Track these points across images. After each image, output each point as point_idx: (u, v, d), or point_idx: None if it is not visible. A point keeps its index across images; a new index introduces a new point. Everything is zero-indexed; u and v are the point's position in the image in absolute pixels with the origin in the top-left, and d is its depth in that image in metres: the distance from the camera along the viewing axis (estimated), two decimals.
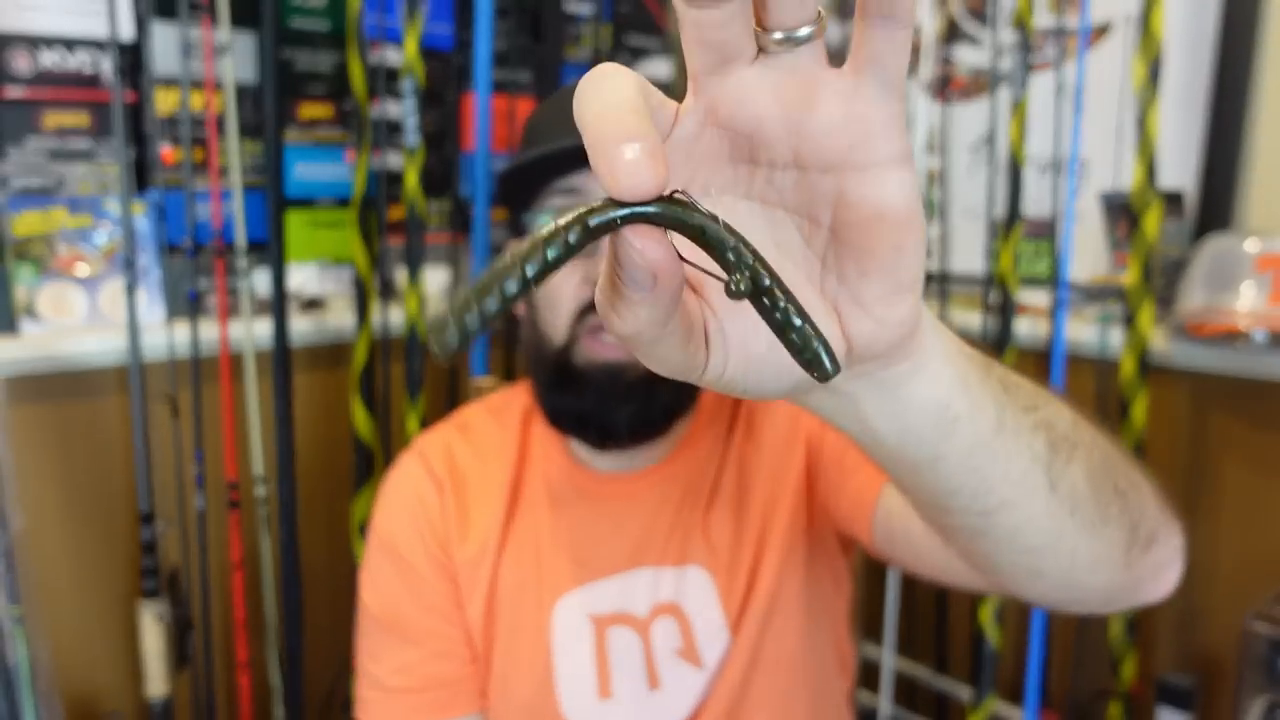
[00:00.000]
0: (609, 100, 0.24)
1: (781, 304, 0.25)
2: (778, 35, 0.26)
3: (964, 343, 0.36)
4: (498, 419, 0.77)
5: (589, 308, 0.65)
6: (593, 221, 0.24)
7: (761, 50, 0.27)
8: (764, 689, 0.69)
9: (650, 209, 0.24)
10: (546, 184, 0.66)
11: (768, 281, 0.25)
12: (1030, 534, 0.39)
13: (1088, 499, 0.40)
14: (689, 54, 0.27)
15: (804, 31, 0.26)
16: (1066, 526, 0.39)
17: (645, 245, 0.24)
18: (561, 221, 0.24)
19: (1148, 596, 0.48)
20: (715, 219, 0.25)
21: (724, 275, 0.25)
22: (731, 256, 0.25)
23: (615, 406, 0.65)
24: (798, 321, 0.25)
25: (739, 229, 0.27)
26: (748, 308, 0.26)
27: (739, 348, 0.29)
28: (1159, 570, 0.47)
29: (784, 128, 0.28)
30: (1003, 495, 0.37)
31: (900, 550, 0.63)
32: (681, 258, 0.25)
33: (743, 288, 0.24)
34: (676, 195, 0.25)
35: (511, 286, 0.24)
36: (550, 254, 0.24)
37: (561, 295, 0.65)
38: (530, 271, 0.24)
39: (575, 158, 0.64)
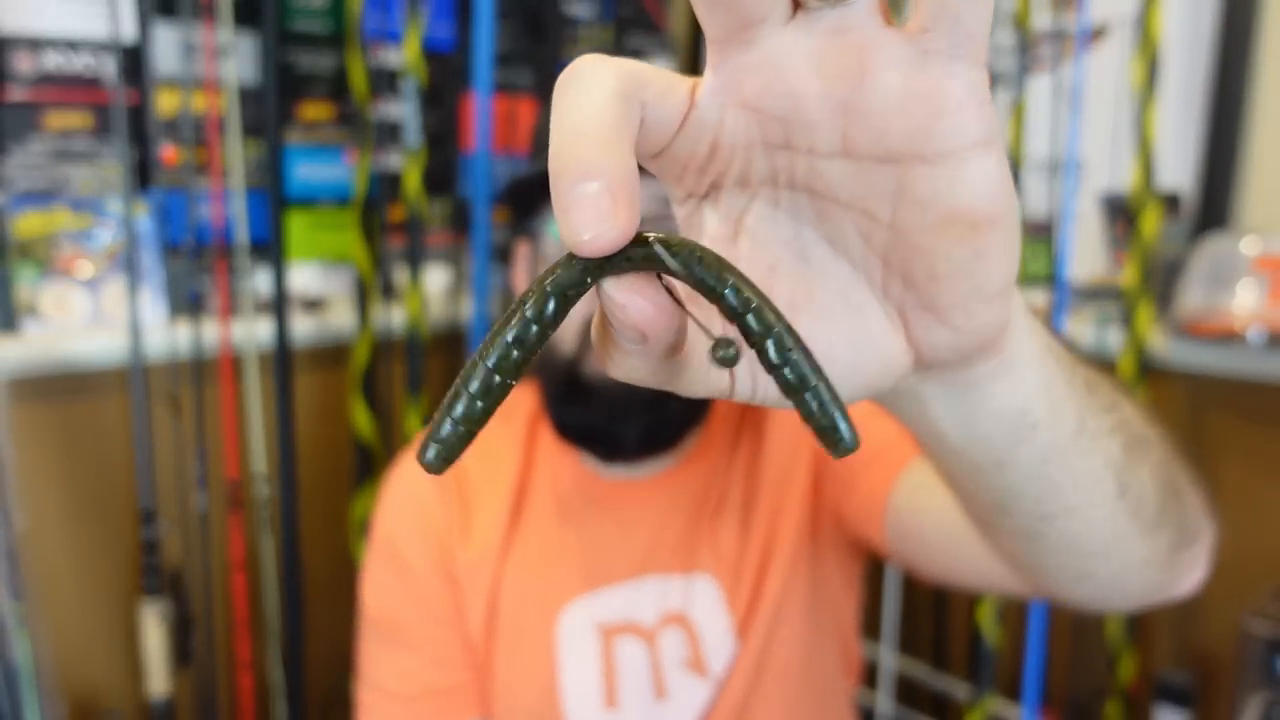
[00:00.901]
0: (575, 118, 0.19)
1: (793, 358, 0.20)
2: None
3: (1054, 338, 0.31)
4: (504, 422, 0.76)
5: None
6: (550, 286, 0.20)
7: (799, 6, 0.21)
8: (769, 696, 0.69)
9: (611, 263, 0.20)
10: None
11: (775, 332, 0.20)
12: (1091, 539, 0.35)
13: (1151, 500, 0.37)
14: (701, 16, 0.22)
15: None
16: (1126, 530, 0.36)
17: (629, 301, 0.20)
18: (521, 298, 0.21)
19: (1175, 593, 0.44)
20: (699, 257, 0.20)
21: (714, 333, 0.21)
22: (728, 302, 0.20)
23: (625, 421, 0.64)
24: (812, 381, 0.20)
25: (779, 229, 0.23)
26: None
27: (745, 365, 0.24)
28: (1192, 567, 0.44)
29: (829, 109, 0.22)
30: (1069, 501, 0.33)
31: (912, 551, 0.60)
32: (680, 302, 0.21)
33: (730, 354, 0.20)
34: (652, 235, 0.20)
35: (474, 385, 0.21)
36: (509, 336, 0.20)
37: None
38: (491, 363, 0.20)
39: None
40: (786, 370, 0.20)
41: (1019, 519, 0.34)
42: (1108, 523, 0.35)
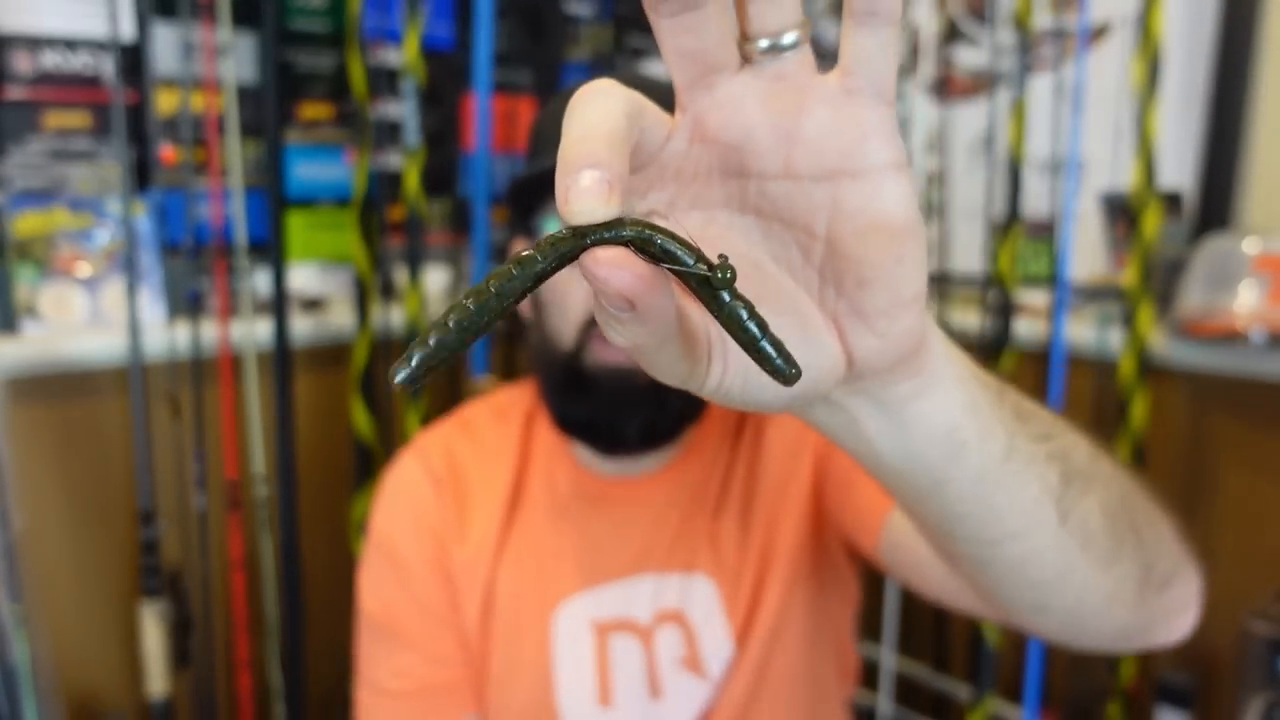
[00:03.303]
0: (588, 123, 0.24)
1: (738, 309, 0.24)
2: (763, 43, 0.26)
3: (977, 367, 0.34)
4: (501, 419, 0.76)
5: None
6: (545, 249, 0.24)
7: (746, 59, 0.27)
8: (769, 703, 0.69)
9: (587, 231, 0.24)
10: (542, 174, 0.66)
11: (722, 287, 0.24)
12: (1037, 567, 0.37)
13: (1101, 534, 0.38)
14: (671, 67, 0.27)
15: (789, 38, 0.26)
16: (1076, 561, 0.38)
17: (609, 273, 0.23)
18: (514, 256, 0.24)
19: (1159, 639, 0.46)
20: (656, 230, 0.24)
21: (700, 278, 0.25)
22: (683, 262, 0.24)
23: (626, 413, 0.64)
24: (752, 326, 0.24)
25: (734, 243, 0.28)
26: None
27: (736, 358, 0.27)
28: (1171, 614, 0.45)
29: (774, 137, 0.27)
30: (1010, 526, 0.36)
31: (906, 570, 0.62)
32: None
33: (729, 270, 0.24)
34: (631, 219, 0.24)
35: (453, 318, 0.23)
36: (495, 288, 0.24)
37: (571, 300, 0.64)
38: (472, 303, 0.23)
39: None
40: (727, 314, 0.24)
41: (966, 544, 0.37)
42: (1053, 551, 0.37)
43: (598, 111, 0.24)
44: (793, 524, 0.69)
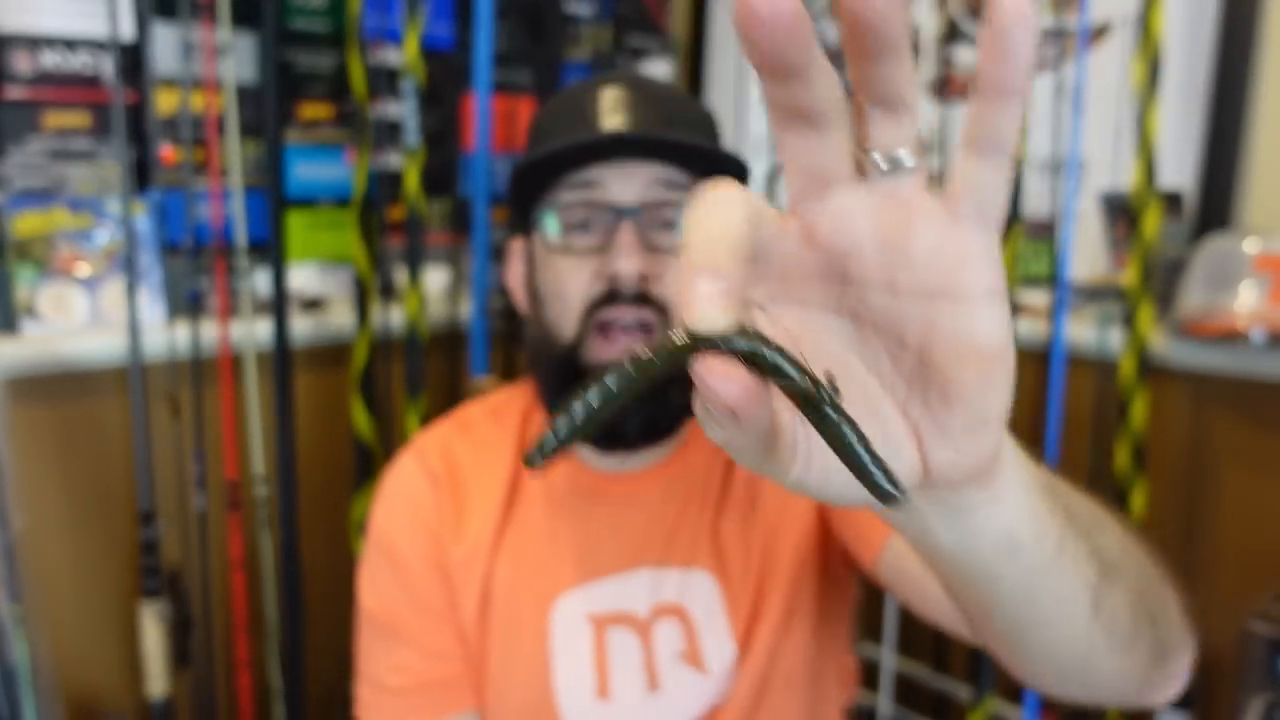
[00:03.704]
0: (712, 231, 0.25)
1: (843, 427, 0.25)
2: (881, 162, 0.27)
3: (1038, 470, 0.36)
4: (497, 418, 0.76)
5: (598, 303, 0.64)
6: (662, 352, 0.25)
7: (860, 171, 0.27)
8: (772, 708, 0.69)
9: (698, 341, 0.24)
10: (557, 178, 0.66)
11: (828, 405, 0.25)
12: (1065, 649, 0.40)
13: (1125, 622, 0.40)
14: (788, 179, 0.28)
15: (908, 160, 0.27)
16: (1100, 646, 0.40)
17: (719, 384, 0.24)
18: (638, 355, 0.26)
19: (1148, 702, 0.48)
20: (768, 345, 0.24)
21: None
22: (792, 380, 0.25)
23: (626, 409, 0.65)
24: (858, 447, 0.25)
25: (827, 343, 0.29)
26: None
27: (820, 457, 0.28)
28: (1167, 681, 0.47)
29: (880, 251, 0.28)
30: (1046, 614, 0.37)
31: (905, 593, 0.64)
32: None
33: (833, 386, 0.25)
34: (751, 330, 0.25)
35: (576, 406, 0.25)
36: (611, 380, 0.26)
37: (571, 290, 0.64)
38: (594, 395, 0.25)
39: (586, 152, 0.63)
40: (846, 430, 0.25)
41: (1001, 624, 0.39)
42: (1082, 638, 0.39)
43: (722, 220, 0.25)
44: (797, 530, 0.69)
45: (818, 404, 0.25)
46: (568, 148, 0.63)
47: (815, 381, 0.25)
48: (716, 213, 0.25)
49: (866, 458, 0.25)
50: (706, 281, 0.24)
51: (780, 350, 0.24)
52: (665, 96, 0.66)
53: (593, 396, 0.25)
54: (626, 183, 0.63)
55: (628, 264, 0.62)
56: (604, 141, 0.63)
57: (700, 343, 0.24)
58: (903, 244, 0.27)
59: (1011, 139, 0.26)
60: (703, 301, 0.24)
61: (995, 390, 0.28)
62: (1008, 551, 0.34)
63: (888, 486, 0.25)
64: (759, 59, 0.25)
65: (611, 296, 0.63)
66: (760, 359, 0.24)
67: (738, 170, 0.66)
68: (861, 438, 0.25)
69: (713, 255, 0.24)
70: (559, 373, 0.66)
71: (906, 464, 0.29)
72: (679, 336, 0.24)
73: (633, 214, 0.63)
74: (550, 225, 0.66)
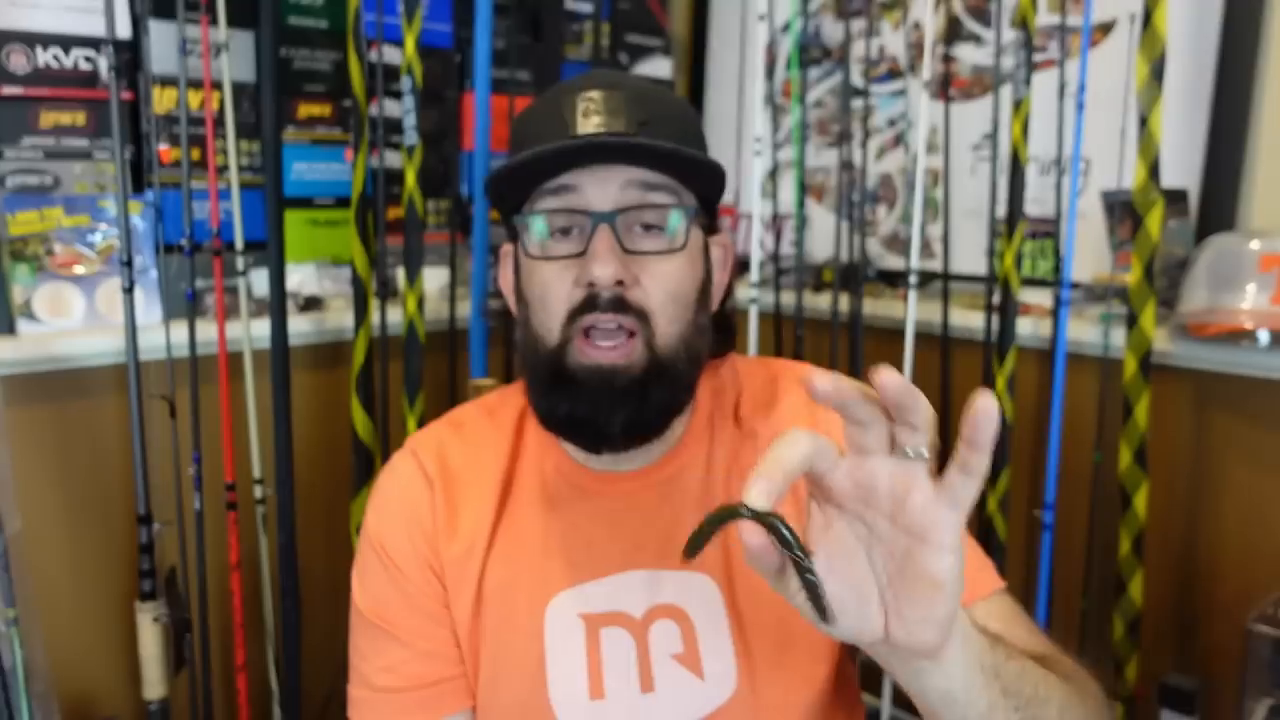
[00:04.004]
0: (779, 455, 0.42)
1: (806, 578, 0.42)
2: (909, 450, 0.43)
3: (990, 655, 0.50)
4: (492, 418, 0.76)
5: (579, 309, 0.64)
6: (724, 512, 0.42)
7: (894, 450, 0.43)
8: None
9: (745, 512, 0.41)
10: (537, 184, 0.65)
11: (805, 568, 0.42)
12: None
13: None
14: (848, 445, 0.44)
15: (919, 452, 0.42)
16: None
17: (749, 539, 0.41)
18: (720, 509, 0.42)
19: None
20: (783, 525, 0.41)
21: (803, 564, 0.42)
22: (790, 548, 0.41)
23: (609, 409, 0.64)
24: (820, 593, 0.42)
25: (848, 536, 0.45)
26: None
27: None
28: None
29: (890, 497, 0.44)
30: None
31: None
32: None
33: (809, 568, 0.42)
34: (777, 514, 0.41)
35: (712, 521, 0.42)
36: (704, 522, 0.43)
37: (554, 297, 0.64)
38: (719, 517, 0.42)
39: (562, 157, 0.63)
40: (807, 574, 0.42)
41: None
42: None
43: (787, 452, 0.42)
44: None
45: (799, 565, 0.41)
46: (537, 155, 0.62)
47: (804, 552, 0.41)
48: (787, 446, 0.42)
49: (823, 601, 0.42)
50: (763, 482, 0.40)
51: (791, 530, 0.41)
52: (642, 96, 0.65)
53: (709, 521, 0.42)
54: (603, 187, 0.63)
55: (602, 271, 0.62)
56: (573, 148, 0.62)
57: (746, 512, 0.40)
58: (903, 497, 0.43)
59: (982, 472, 0.42)
60: (755, 492, 0.40)
61: (940, 607, 0.44)
62: (945, 703, 0.49)
63: (825, 614, 0.43)
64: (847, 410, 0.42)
65: (590, 302, 0.63)
66: (775, 532, 0.41)
67: (711, 172, 0.65)
68: (819, 589, 0.42)
69: (773, 470, 0.41)
70: (545, 376, 0.66)
71: (872, 623, 0.45)
72: (740, 506, 0.41)
73: (608, 219, 0.63)
74: (531, 232, 0.66)
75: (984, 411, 0.40)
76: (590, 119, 0.63)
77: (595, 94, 0.64)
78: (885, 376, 0.40)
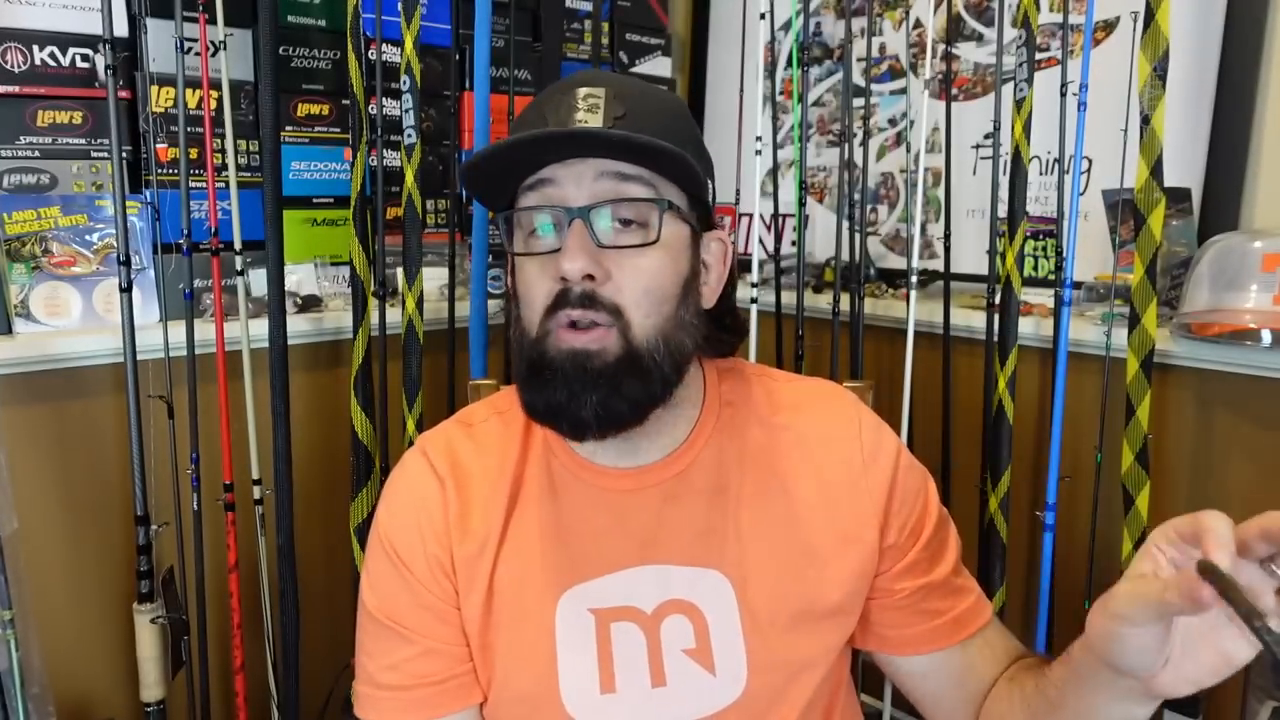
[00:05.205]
0: (1227, 534, 0.49)
1: (1266, 639, 0.43)
2: (1276, 569, 0.49)
3: None
4: (501, 417, 0.76)
5: (555, 305, 0.64)
6: (1211, 569, 0.46)
7: (1264, 565, 0.50)
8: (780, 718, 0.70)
9: (1212, 568, 0.45)
10: (517, 181, 0.66)
11: (1259, 627, 0.44)
12: None
13: None
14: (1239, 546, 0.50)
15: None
16: None
17: (1198, 590, 0.45)
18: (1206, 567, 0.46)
19: None
20: (1234, 586, 0.44)
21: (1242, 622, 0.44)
22: (1237, 605, 0.44)
23: (580, 394, 0.64)
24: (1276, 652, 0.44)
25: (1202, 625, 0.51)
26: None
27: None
28: None
29: (1244, 591, 0.48)
30: None
31: (919, 695, 0.74)
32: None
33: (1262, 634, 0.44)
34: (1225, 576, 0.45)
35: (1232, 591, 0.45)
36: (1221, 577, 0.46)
37: (535, 293, 0.65)
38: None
39: (531, 148, 0.63)
40: (1267, 638, 0.43)
41: None
42: None
43: (1228, 534, 0.49)
44: (836, 575, 0.70)
45: (1249, 621, 0.43)
46: (497, 148, 0.62)
47: (1252, 612, 0.43)
48: (1228, 529, 0.49)
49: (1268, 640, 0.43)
50: (1224, 554, 0.46)
51: (1238, 589, 0.44)
52: (624, 93, 0.65)
53: (1232, 589, 0.45)
54: (577, 181, 0.63)
55: (570, 265, 0.62)
56: (535, 138, 0.62)
57: (1211, 569, 0.45)
58: (1254, 597, 0.47)
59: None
60: (1218, 556, 0.46)
61: (1213, 678, 0.50)
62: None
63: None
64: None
65: (564, 297, 0.63)
66: (1228, 588, 0.44)
67: (680, 164, 0.65)
68: (1271, 634, 0.43)
69: (1226, 546, 0.47)
70: (526, 367, 0.67)
71: (1154, 665, 0.52)
72: (1209, 565, 0.46)
73: (581, 214, 0.62)
74: (514, 229, 0.66)
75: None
76: (571, 114, 0.64)
77: (579, 90, 0.65)
78: None
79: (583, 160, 0.63)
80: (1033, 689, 0.65)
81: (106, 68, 1.05)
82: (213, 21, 1.17)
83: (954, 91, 1.51)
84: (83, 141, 1.19)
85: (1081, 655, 0.58)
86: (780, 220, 1.57)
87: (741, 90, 1.65)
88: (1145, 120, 1.11)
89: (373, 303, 1.26)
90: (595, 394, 0.64)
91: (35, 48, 1.14)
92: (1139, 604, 0.50)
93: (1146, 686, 0.52)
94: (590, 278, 0.62)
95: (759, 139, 1.44)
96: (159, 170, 1.19)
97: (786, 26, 1.69)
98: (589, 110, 0.64)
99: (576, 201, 0.63)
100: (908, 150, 1.58)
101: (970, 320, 1.39)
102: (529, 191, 0.65)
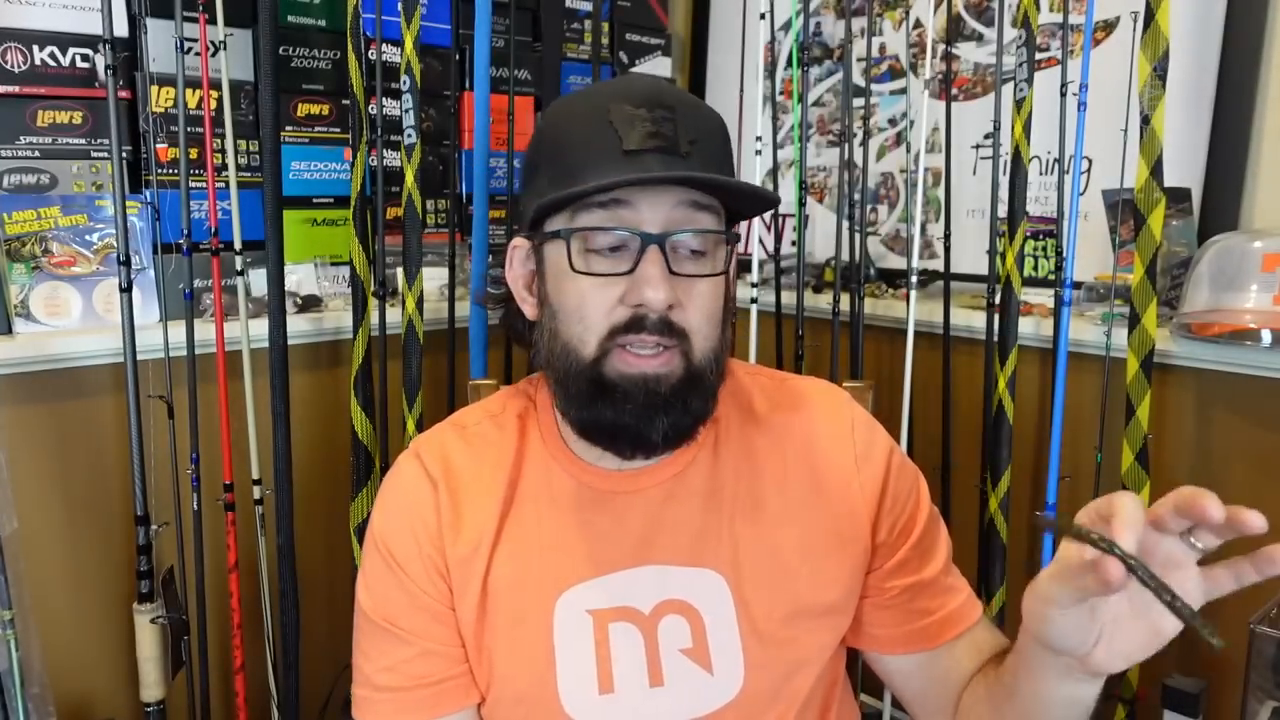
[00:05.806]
0: (1136, 515, 0.47)
1: (1168, 598, 0.46)
2: (1197, 544, 0.50)
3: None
4: (494, 419, 0.76)
5: (623, 328, 0.64)
6: (1098, 540, 0.47)
7: (1183, 537, 0.50)
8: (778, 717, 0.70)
9: (1118, 550, 0.46)
10: (586, 196, 0.64)
11: (1166, 597, 0.46)
12: None
13: None
14: (1152, 520, 0.50)
15: (1203, 550, 0.50)
16: None
17: (1106, 567, 0.46)
18: (1094, 536, 0.47)
19: None
20: (1138, 561, 0.46)
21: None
22: (1161, 595, 0.47)
23: (652, 417, 0.65)
24: (1184, 611, 0.47)
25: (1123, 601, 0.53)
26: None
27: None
28: None
29: (1162, 564, 0.50)
30: None
31: (906, 694, 0.76)
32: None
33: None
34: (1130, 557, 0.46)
35: (1078, 533, 0.48)
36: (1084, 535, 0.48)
37: (595, 312, 0.64)
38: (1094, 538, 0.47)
39: (638, 183, 0.62)
40: (1163, 594, 0.46)
41: None
42: None
43: (1140, 514, 0.47)
44: (831, 573, 0.71)
45: (1159, 594, 0.46)
46: (613, 184, 0.61)
47: (1161, 586, 0.46)
48: (1136, 507, 0.47)
49: (1185, 612, 0.46)
50: (1130, 533, 0.46)
51: (1144, 566, 0.46)
52: (689, 113, 0.65)
53: (1078, 531, 0.48)
54: (654, 207, 0.63)
55: (655, 295, 0.61)
56: (650, 180, 0.61)
57: (1114, 547, 0.46)
58: (1172, 569, 0.49)
59: (1246, 584, 0.50)
60: (1124, 536, 0.46)
61: (1144, 653, 0.52)
62: (1065, 704, 0.58)
63: (1206, 633, 0.46)
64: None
65: (637, 322, 0.63)
66: (1131, 565, 0.46)
67: (768, 204, 0.68)
68: (1184, 610, 0.46)
69: (1136, 525, 0.47)
70: (585, 386, 0.66)
71: (1086, 642, 0.53)
72: (1114, 545, 0.46)
73: (659, 240, 0.62)
74: (573, 244, 0.64)
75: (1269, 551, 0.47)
76: (642, 132, 0.63)
77: (653, 112, 0.64)
78: (1253, 521, 0.47)
79: (665, 187, 0.63)
80: (994, 678, 0.67)
81: (106, 68, 1.05)
82: (213, 21, 1.17)
83: (954, 91, 1.51)
84: (83, 141, 1.19)
85: (1022, 639, 0.59)
86: (780, 220, 1.57)
87: (741, 90, 1.65)
88: (1145, 120, 1.10)
89: (373, 303, 1.26)
90: (668, 416, 0.64)
91: (35, 48, 1.14)
92: (1058, 586, 0.51)
93: (1083, 664, 0.53)
94: (669, 306, 0.62)
95: (759, 139, 1.44)
96: (159, 170, 1.19)
97: (786, 26, 1.69)
98: (663, 137, 0.63)
99: (651, 226, 0.63)
100: (908, 150, 1.58)
101: (970, 320, 1.39)
102: (598, 209, 0.64)
